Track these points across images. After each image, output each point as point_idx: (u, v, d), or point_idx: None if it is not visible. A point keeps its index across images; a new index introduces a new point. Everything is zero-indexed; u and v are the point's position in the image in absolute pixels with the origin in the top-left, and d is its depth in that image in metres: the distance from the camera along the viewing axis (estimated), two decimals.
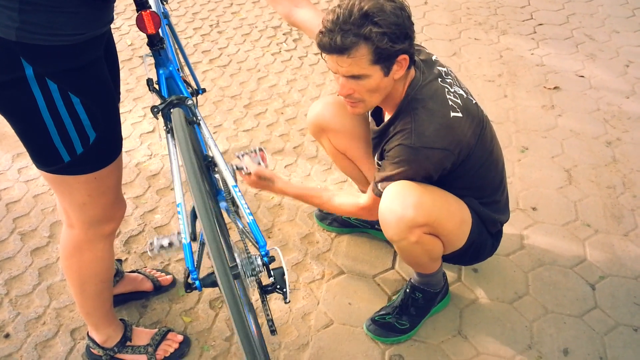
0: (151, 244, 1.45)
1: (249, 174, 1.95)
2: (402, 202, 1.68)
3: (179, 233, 1.40)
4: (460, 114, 1.68)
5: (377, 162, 1.87)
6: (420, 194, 1.69)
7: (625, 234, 2.43)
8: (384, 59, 1.58)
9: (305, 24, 1.95)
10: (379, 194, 1.78)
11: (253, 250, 1.41)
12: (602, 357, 1.95)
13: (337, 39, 1.54)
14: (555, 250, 2.35)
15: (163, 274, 2.19)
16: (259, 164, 1.97)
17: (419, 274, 1.99)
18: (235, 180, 1.54)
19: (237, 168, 1.93)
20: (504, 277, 2.23)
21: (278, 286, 1.39)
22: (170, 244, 1.46)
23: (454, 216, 1.79)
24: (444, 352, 1.97)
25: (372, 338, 2.00)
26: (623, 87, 3.46)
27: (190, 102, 1.58)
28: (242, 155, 1.99)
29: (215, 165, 1.64)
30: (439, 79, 1.73)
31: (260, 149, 1.98)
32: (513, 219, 2.44)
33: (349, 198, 1.96)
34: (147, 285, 2.13)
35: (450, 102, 1.69)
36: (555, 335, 2.02)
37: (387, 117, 1.83)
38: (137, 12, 1.59)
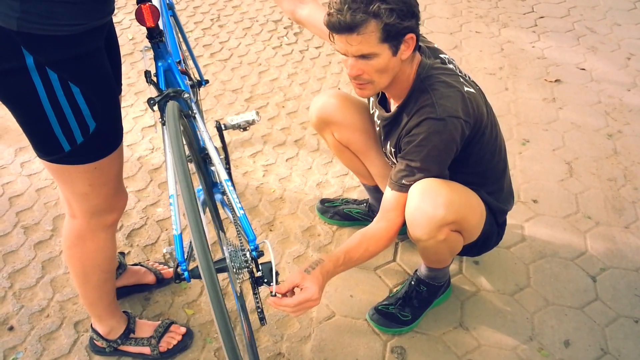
0: None
1: (245, 129, 1.86)
2: (433, 201, 1.66)
3: None
4: (473, 90, 1.71)
5: (391, 150, 1.86)
6: (448, 191, 1.68)
7: (626, 226, 2.44)
8: (392, 37, 1.58)
9: (309, 20, 1.95)
10: (406, 189, 1.72)
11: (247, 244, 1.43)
12: (603, 348, 1.96)
13: (346, 17, 1.54)
14: (556, 242, 2.36)
15: (165, 266, 2.20)
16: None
17: (429, 268, 2.00)
18: (229, 163, 1.54)
19: (227, 126, 1.84)
20: (505, 269, 2.24)
21: (265, 280, 1.41)
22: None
23: (476, 210, 1.79)
24: (445, 343, 1.98)
25: (374, 328, 2.01)
26: (624, 79, 3.46)
27: (186, 95, 1.58)
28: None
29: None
30: (443, 64, 1.75)
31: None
32: (514, 212, 2.45)
33: (379, 228, 1.77)
34: (150, 278, 2.14)
35: (461, 79, 1.71)
36: (556, 327, 2.03)
37: (393, 105, 1.83)
38: (137, 4, 1.60)
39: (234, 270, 1.39)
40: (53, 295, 2.14)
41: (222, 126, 1.84)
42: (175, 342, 1.93)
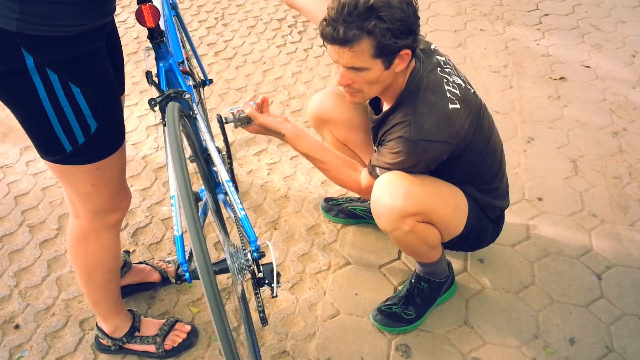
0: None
1: (247, 122, 1.84)
2: (391, 193, 1.69)
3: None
4: (458, 106, 1.68)
5: (375, 149, 1.87)
6: (410, 183, 1.70)
7: (631, 223, 2.43)
8: (385, 54, 1.58)
9: (304, 7, 1.94)
10: (376, 177, 1.79)
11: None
12: (608, 346, 1.96)
13: (340, 31, 1.53)
14: (561, 240, 2.35)
15: (170, 265, 2.20)
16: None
17: (421, 263, 2.00)
18: (231, 162, 1.54)
19: (228, 121, 1.82)
20: (510, 267, 2.24)
21: (266, 281, 1.41)
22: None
23: (447, 203, 1.80)
24: (450, 341, 1.98)
25: (378, 328, 2.01)
26: (629, 77, 3.45)
27: (188, 95, 1.58)
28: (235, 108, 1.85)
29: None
30: (438, 69, 1.73)
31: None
32: (519, 210, 2.45)
33: (353, 174, 1.89)
34: (155, 276, 2.15)
35: (448, 94, 1.69)
36: (561, 325, 2.03)
37: (385, 106, 1.83)
38: (138, 5, 1.60)
39: (236, 271, 1.39)
40: (59, 294, 2.14)
41: (224, 119, 1.83)
42: (180, 340, 1.94)
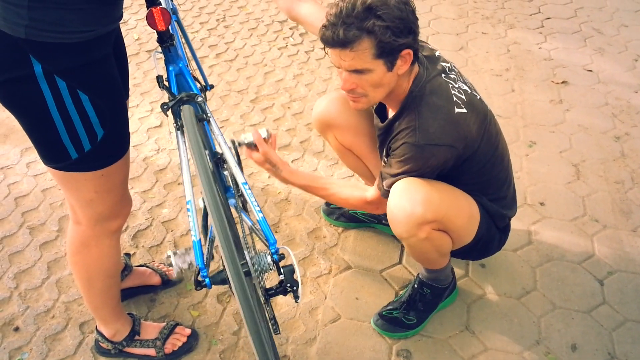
0: None
1: (254, 148, 1.85)
2: (410, 199, 1.67)
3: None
4: (464, 110, 1.68)
5: (384, 160, 1.86)
6: (429, 190, 1.68)
7: (633, 229, 2.43)
8: (387, 54, 1.57)
9: (306, 19, 1.94)
10: (384, 194, 1.78)
11: (260, 247, 1.41)
12: (611, 352, 1.95)
13: (339, 33, 1.53)
14: (563, 245, 2.35)
15: (171, 268, 2.19)
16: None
17: (427, 269, 1.99)
18: (242, 171, 1.53)
19: (241, 144, 1.84)
20: (512, 273, 2.23)
21: (288, 284, 1.39)
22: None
23: (463, 212, 1.78)
24: (452, 347, 1.97)
25: (379, 333, 2.00)
26: (632, 81, 3.44)
27: (200, 99, 1.58)
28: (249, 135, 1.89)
29: (224, 162, 1.64)
30: (443, 75, 1.72)
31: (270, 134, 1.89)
32: (521, 214, 2.44)
33: (356, 192, 1.93)
34: (155, 279, 2.14)
35: (454, 98, 1.68)
36: (564, 331, 2.02)
37: (390, 113, 1.83)
38: (147, 8, 1.59)
39: (255, 274, 1.37)
40: (58, 296, 2.13)
41: (237, 144, 1.82)
42: (180, 344, 1.93)
